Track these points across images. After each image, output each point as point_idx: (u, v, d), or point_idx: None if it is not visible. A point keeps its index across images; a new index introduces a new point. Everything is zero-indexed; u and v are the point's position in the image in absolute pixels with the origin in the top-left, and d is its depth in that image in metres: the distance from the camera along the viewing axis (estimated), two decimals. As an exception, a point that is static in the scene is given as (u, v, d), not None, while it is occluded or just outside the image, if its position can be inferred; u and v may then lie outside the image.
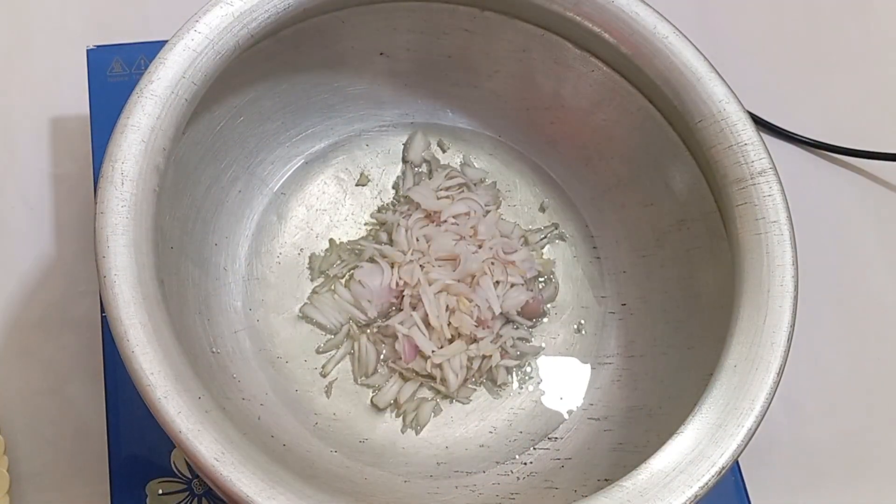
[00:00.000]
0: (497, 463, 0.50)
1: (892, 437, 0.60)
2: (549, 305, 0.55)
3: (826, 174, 0.67)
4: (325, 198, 0.56)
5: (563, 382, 0.53)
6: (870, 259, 0.65)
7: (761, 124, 0.67)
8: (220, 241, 0.52)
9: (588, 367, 0.54)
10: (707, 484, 0.38)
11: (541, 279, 0.56)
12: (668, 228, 0.53)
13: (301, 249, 0.54)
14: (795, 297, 0.42)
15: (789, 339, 0.41)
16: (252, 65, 0.48)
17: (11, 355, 0.53)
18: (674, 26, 0.48)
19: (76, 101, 0.57)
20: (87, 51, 0.58)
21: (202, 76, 0.42)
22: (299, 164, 0.56)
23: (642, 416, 0.50)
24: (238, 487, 0.35)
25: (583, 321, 0.55)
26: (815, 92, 0.70)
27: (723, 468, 0.38)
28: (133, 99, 0.41)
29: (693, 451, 0.39)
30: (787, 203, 0.44)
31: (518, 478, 0.50)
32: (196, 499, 0.49)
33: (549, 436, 0.52)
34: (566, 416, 0.52)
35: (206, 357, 0.48)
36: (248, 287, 0.52)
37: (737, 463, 0.54)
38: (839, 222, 0.66)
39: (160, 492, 0.48)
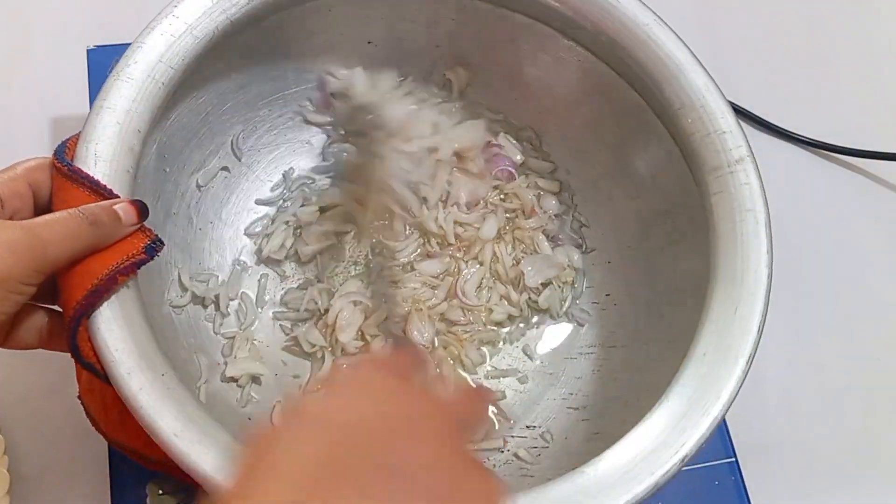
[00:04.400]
0: (474, 450, 0.50)
1: (892, 437, 0.59)
2: (533, 295, 0.55)
3: (826, 174, 0.67)
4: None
5: (544, 371, 0.53)
6: (870, 259, 0.64)
7: (761, 124, 0.66)
8: (205, 226, 0.52)
9: (569, 356, 0.54)
10: (669, 472, 0.37)
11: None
12: (653, 220, 0.53)
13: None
14: (769, 287, 0.42)
15: (760, 329, 0.41)
16: (239, 51, 0.49)
17: (11, 355, 0.52)
18: (656, 14, 0.48)
19: (76, 101, 0.58)
20: (87, 51, 0.58)
21: (180, 61, 0.43)
22: (286, 151, 0.56)
23: (619, 407, 0.49)
24: (196, 464, 0.35)
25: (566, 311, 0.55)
26: (815, 92, 0.70)
27: (685, 456, 0.38)
28: (109, 82, 0.41)
29: (657, 438, 0.38)
30: (763, 192, 0.44)
31: (495, 464, 0.50)
32: (196, 499, 0.48)
33: (528, 424, 0.51)
34: (545, 405, 0.52)
35: (185, 339, 0.48)
36: (232, 272, 0.53)
37: (737, 463, 0.53)
38: (839, 222, 0.65)
39: (160, 492, 0.48)
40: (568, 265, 0.55)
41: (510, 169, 0.57)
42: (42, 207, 0.39)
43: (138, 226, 0.38)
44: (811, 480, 0.57)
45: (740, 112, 0.65)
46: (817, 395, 0.59)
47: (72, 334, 0.37)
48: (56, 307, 0.40)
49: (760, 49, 0.70)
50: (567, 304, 0.55)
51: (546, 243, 0.56)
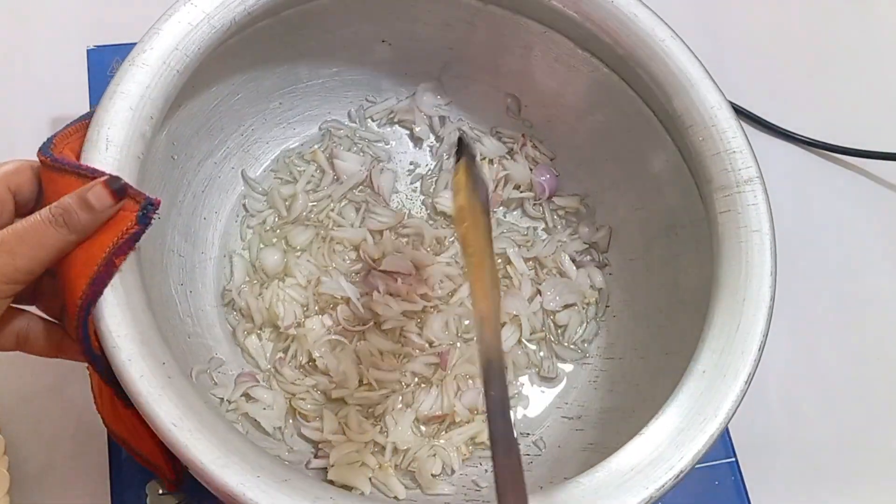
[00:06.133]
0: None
1: (892, 437, 0.59)
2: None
3: (826, 174, 0.67)
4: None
5: (541, 380, 0.53)
6: (870, 259, 0.65)
7: (762, 124, 0.67)
8: (210, 216, 0.52)
9: (567, 366, 0.54)
10: (664, 486, 0.37)
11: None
12: (657, 233, 0.53)
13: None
14: (771, 307, 0.42)
15: (761, 349, 0.41)
16: (253, 44, 0.49)
17: (11, 355, 0.52)
18: (672, 30, 0.48)
19: (76, 101, 0.58)
20: (87, 51, 0.58)
21: (196, 49, 0.43)
22: (295, 145, 0.57)
23: (615, 419, 0.49)
24: (193, 453, 0.35)
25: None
26: (815, 92, 0.70)
27: (681, 472, 0.38)
28: (125, 67, 0.41)
29: (653, 452, 0.38)
30: (771, 213, 0.44)
31: (486, 469, 0.50)
32: (196, 499, 0.48)
33: (523, 432, 0.51)
34: (540, 414, 0.52)
35: (184, 328, 0.48)
36: (234, 262, 0.53)
37: (737, 463, 0.54)
38: (839, 222, 0.66)
39: (160, 491, 0.48)
40: (591, 287, 0.55)
41: (543, 181, 0.57)
42: (25, 209, 0.38)
43: (118, 205, 0.37)
44: (811, 480, 0.57)
45: (740, 112, 0.65)
46: (817, 395, 0.59)
47: (82, 326, 0.36)
48: (32, 308, 0.40)
49: (760, 49, 0.71)
50: (584, 330, 0.55)
51: (570, 263, 0.55)
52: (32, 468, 0.50)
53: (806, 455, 0.57)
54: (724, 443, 0.54)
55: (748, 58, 0.70)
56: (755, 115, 0.66)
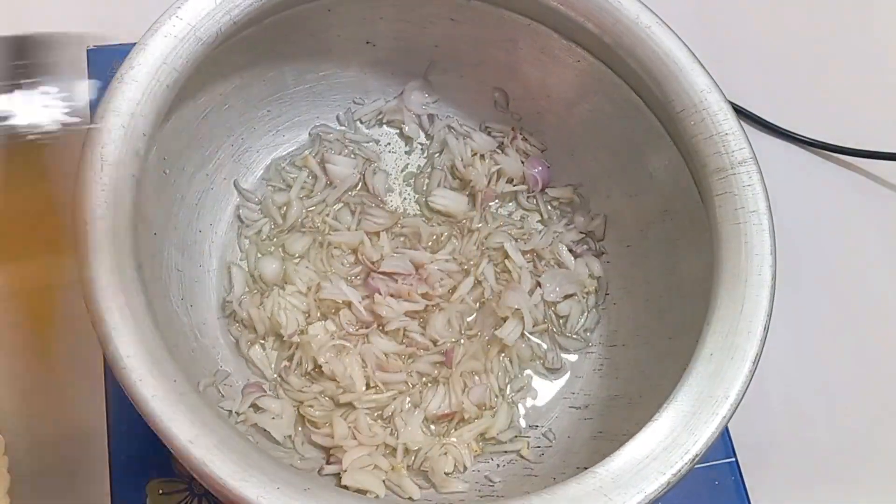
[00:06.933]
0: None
1: (892, 437, 0.59)
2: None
3: (826, 174, 0.67)
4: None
5: (546, 372, 0.54)
6: (870, 259, 0.65)
7: (762, 124, 0.67)
8: (205, 228, 0.52)
9: (571, 356, 0.54)
10: (680, 471, 0.38)
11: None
12: (652, 219, 0.53)
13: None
14: (773, 287, 0.42)
15: (766, 329, 0.41)
16: (239, 52, 0.49)
17: (11, 356, 0.52)
18: (657, 16, 0.48)
19: None
20: (87, 51, 0.58)
21: (183, 62, 0.43)
22: (286, 152, 0.56)
23: (622, 405, 0.50)
24: (211, 470, 0.35)
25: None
26: (815, 92, 0.70)
27: (696, 455, 0.38)
28: (114, 84, 0.41)
29: (667, 438, 0.39)
30: (766, 193, 0.44)
31: (498, 465, 0.50)
32: (196, 499, 0.49)
33: (532, 424, 0.52)
34: (548, 405, 0.52)
35: (188, 343, 0.48)
36: (233, 273, 0.52)
37: (737, 463, 0.54)
38: (839, 222, 0.66)
39: (160, 492, 0.48)
40: (589, 276, 0.55)
41: (535, 173, 0.57)
42: None
43: None
44: (811, 480, 0.57)
45: (741, 112, 0.65)
46: (817, 395, 0.59)
47: None
48: None
49: (760, 49, 0.71)
50: (585, 319, 0.55)
51: (567, 254, 0.55)
52: (32, 468, 0.49)
53: (806, 455, 0.58)
54: (724, 443, 0.54)
55: (748, 58, 0.70)
56: (755, 115, 0.66)
